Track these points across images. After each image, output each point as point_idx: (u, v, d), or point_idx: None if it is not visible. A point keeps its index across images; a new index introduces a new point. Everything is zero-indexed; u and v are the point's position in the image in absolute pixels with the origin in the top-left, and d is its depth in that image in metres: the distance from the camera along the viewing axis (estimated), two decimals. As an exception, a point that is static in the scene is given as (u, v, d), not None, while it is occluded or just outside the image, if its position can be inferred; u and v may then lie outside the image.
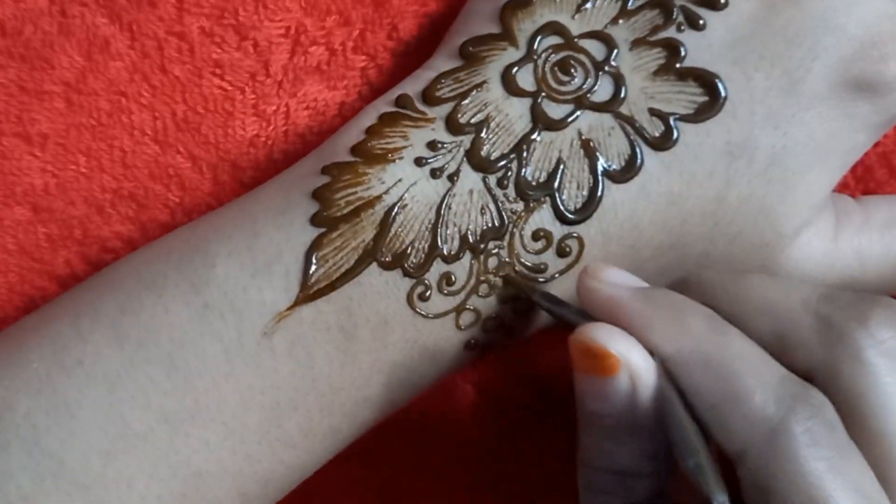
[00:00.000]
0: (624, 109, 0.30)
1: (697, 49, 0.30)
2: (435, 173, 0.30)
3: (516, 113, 0.30)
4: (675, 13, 0.31)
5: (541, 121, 0.30)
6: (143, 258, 0.31)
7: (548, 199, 0.30)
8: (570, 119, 0.30)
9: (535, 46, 0.31)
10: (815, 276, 0.32)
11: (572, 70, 0.31)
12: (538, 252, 0.30)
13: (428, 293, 0.30)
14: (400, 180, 0.30)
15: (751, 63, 0.30)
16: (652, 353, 0.27)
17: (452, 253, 0.30)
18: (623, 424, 0.27)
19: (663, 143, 0.30)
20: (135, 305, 0.29)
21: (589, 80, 0.31)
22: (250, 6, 0.35)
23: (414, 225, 0.30)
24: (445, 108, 0.30)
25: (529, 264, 0.30)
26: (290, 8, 0.35)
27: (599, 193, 0.30)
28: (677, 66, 0.30)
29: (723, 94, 0.30)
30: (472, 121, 0.30)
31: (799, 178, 0.31)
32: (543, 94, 0.30)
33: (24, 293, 0.35)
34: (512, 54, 0.31)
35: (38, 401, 0.29)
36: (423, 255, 0.29)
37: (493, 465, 0.37)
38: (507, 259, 0.30)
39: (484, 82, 0.31)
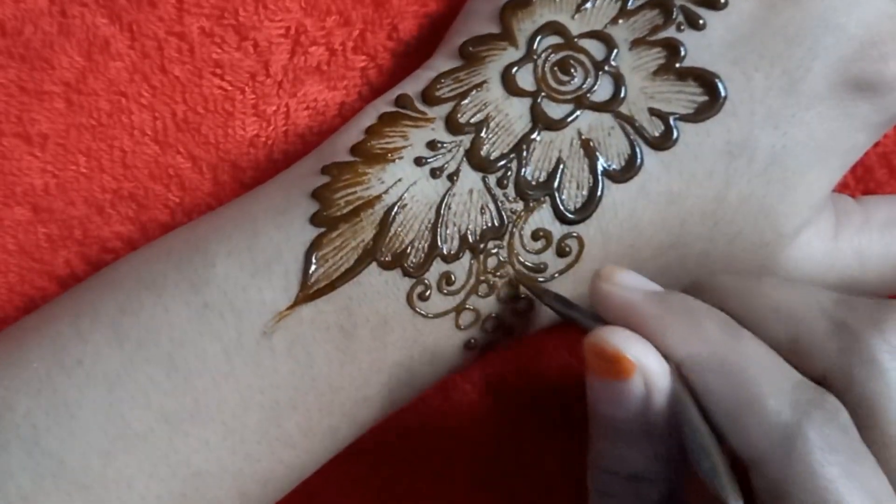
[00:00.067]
0: (624, 109, 0.30)
1: (697, 49, 0.30)
2: (435, 173, 0.30)
3: (516, 113, 0.30)
4: (674, 13, 0.31)
5: (540, 120, 0.30)
6: (142, 258, 0.31)
7: (547, 198, 0.30)
8: (569, 119, 0.30)
9: (535, 46, 0.31)
10: (815, 276, 0.32)
11: (572, 70, 0.31)
12: (538, 252, 0.30)
13: (428, 293, 0.30)
14: (400, 180, 0.30)
15: (751, 63, 0.30)
16: (666, 357, 0.27)
17: (452, 252, 0.30)
18: (636, 428, 0.27)
19: (663, 142, 0.30)
20: (134, 305, 0.29)
21: (589, 79, 0.31)
22: (250, 6, 0.35)
23: (414, 224, 0.30)
24: (445, 108, 0.30)
25: (529, 264, 0.30)
26: (290, 8, 0.35)
27: (599, 193, 0.30)
28: (677, 65, 0.30)
29: (723, 93, 0.30)
30: (472, 120, 0.30)
31: (799, 178, 0.31)
32: (543, 93, 0.30)
33: (24, 293, 0.35)
34: (512, 54, 0.31)
35: (37, 401, 0.29)
36: (422, 255, 0.29)
37: (493, 465, 0.37)
38: (506, 259, 0.30)
39: (484, 82, 0.31)
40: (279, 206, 0.30)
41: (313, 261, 0.29)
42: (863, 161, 0.36)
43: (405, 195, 0.30)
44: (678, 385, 0.27)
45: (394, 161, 0.30)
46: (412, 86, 0.31)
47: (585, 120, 0.30)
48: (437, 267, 0.30)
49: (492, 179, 0.30)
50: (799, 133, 0.30)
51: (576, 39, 0.31)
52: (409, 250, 0.29)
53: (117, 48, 0.35)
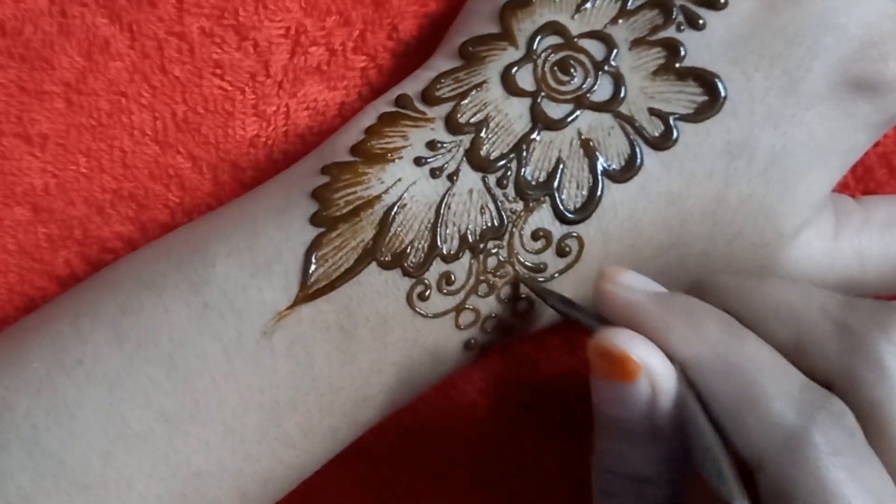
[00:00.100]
0: (623, 109, 0.30)
1: (697, 49, 0.30)
2: (434, 173, 0.30)
3: (516, 113, 0.30)
4: (674, 13, 0.31)
5: (540, 120, 0.30)
6: (142, 258, 0.31)
7: (547, 198, 0.30)
8: (569, 119, 0.30)
9: (535, 46, 0.31)
10: (815, 276, 0.32)
11: (572, 70, 0.31)
12: (538, 252, 0.30)
13: (427, 293, 0.30)
14: (399, 180, 0.30)
15: (750, 63, 0.30)
16: (670, 358, 0.27)
17: (452, 252, 0.30)
18: (641, 429, 0.27)
19: (663, 142, 0.30)
20: (134, 305, 0.29)
21: (588, 79, 0.31)
22: (250, 6, 0.35)
23: (413, 224, 0.30)
24: (445, 108, 0.30)
25: (529, 264, 0.30)
26: (290, 8, 0.35)
27: (599, 193, 0.30)
28: (677, 65, 0.30)
29: (722, 93, 0.30)
30: (472, 120, 0.30)
31: (799, 178, 0.31)
32: (543, 93, 0.30)
33: (24, 293, 0.35)
34: (511, 54, 0.31)
35: (37, 401, 0.29)
36: (422, 255, 0.29)
37: (493, 465, 0.37)
38: (506, 258, 0.30)
39: (483, 82, 0.31)
40: (279, 206, 0.30)
41: (313, 260, 0.29)
42: (863, 161, 0.36)
43: (405, 195, 0.30)
44: (683, 386, 0.27)
45: (393, 161, 0.30)
46: (412, 86, 0.31)
47: (585, 120, 0.30)
48: (437, 267, 0.30)
49: (491, 179, 0.30)
50: (799, 133, 0.30)
51: (576, 39, 0.31)
52: (408, 250, 0.29)
53: (117, 48, 0.35)
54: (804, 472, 0.24)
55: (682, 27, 0.31)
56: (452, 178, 0.30)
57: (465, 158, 0.30)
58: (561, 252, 0.30)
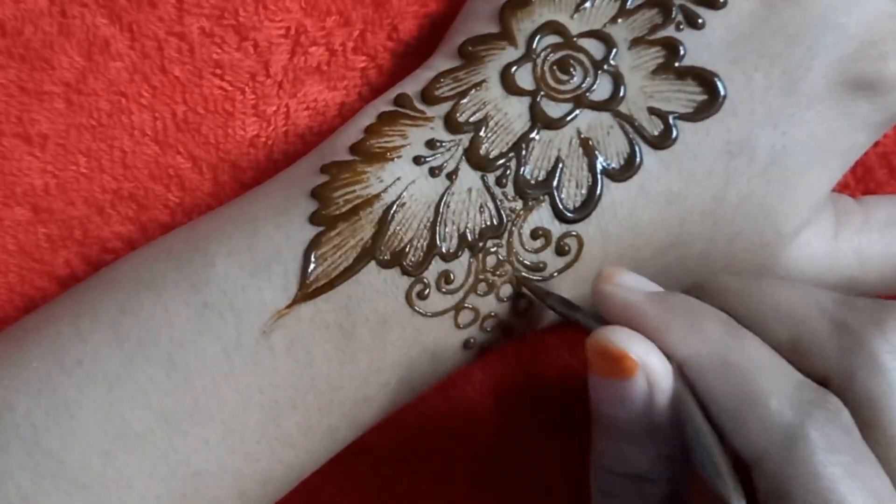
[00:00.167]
0: (623, 108, 0.30)
1: (696, 48, 0.30)
2: (433, 172, 0.30)
3: (515, 112, 0.30)
4: (673, 12, 0.31)
5: (540, 119, 0.30)
6: (142, 258, 0.31)
7: (547, 197, 0.30)
8: (568, 118, 0.30)
9: (534, 45, 0.31)
10: (815, 276, 0.32)
11: (571, 69, 0.31)
12: (537, 250, 0.30)
13: (427, 291, 0.30)
14: (398, 179, 0.30)
15: (750, 62, 0.30)
16: (668, 357, 0.27)
17: (451, 251, 0.30)
18: (639, 428, 0.27)
19: (662, 141, 0.30)
20: (134, 305, 0.29)
21: (588, 79, 0.31)
22: (250, 7, 0.35)
23: (412, 223, 0.30)
24: (444, 107, 0.30)
25: (528, 263, 0.30)
26: (290, 8, 0.35)
27: (598, 192, 0.30)
28: (676, 64, 0.30)
29: (722, 92, 0.30)
30: (471, 119, 0.30)
31: (799, 178, 0.31)
32: (542, 93, 0.30)
33: (24, 293, 0.35)
34: (511, 53, 0.31)
35: (37, 400, 0.29)
36: (421, 254, 0.29)
37: (493, 465, 0.37)
38: (505, 257, 0.30)
39: (483, 81, 0.31)
40: (279, 206, 0.30)
41: (312, 259, 0.29)
42: (863, 161, 0.36)
43: (404, 194, 0.30)
44: (680, 385, 0.27)
45: (393, 160, 0.30)
46: (411, 85, 0.31)
47: (584, 119, 0.30)
48: (436, 266, 0.30)
49: (491, 178, 0.30)
50: (799, 132, 0.30)
51: (575, 39, 0.31)
52: (407, 249, 0.29)
53: (117, 48, 0.35)
54: (801, 469, 0.25)
55: (681, 26, 0.31)
56: (451, 176, 0.30)
57: (464, 157, 0.30)
58: (560, 251, 0.30)
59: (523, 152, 0.30)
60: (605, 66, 0.31)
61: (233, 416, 0.29)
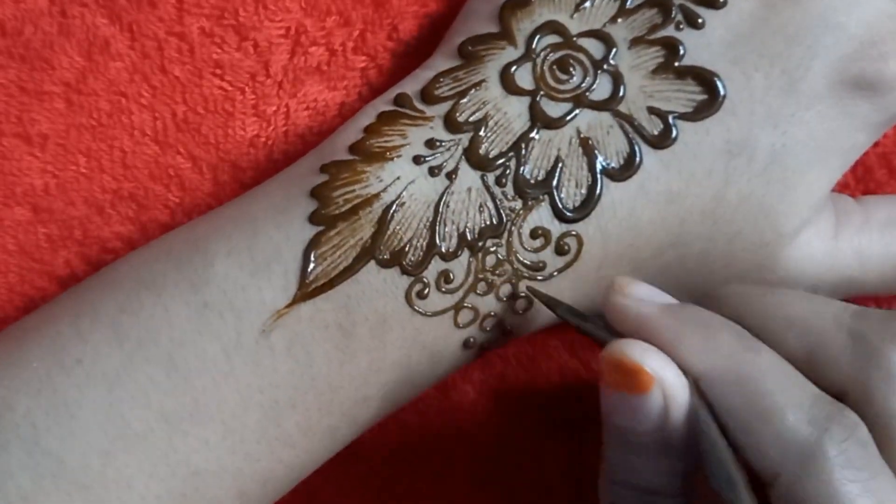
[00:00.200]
0: (623, 108, 0.30)
1: (696, 48, 0.30)
2: (433, 171, 0.30)
3: (515, 111, 0.30)
4: (673, 12, 0.31)
5: (539, 119, 0.30)
6: (142, 258, 0.31)
7: (546, 197, 0.30)
8: (568, 117, 0.30)
9: (534, 45, 0.31)
10: (815, 276, 0.32)
11: (571, 69, 0.31)
12: (536, 250, 0.30)
13: (426, 291, 0.30)
14: (398, 178, 0.30)
15: (750, 62, 0.30)
16: (682, 370, 0.27)
17: (450, 251, 0.30)
18: (652, 442, 0.27)
19: (662, 141, 0.30)
20: (134, 305, 0.29)
21: (588, 78, 0.31)
22: (250, 6, 0.35)
23: (412, 223, 0.29)
24: (444, 107, 0.30)
25: (528, 262, 0.30)
26: (290, 8, 0.35)
27: (598, 192, 0.30)
28: (676, 64, 0.30)
29: (722, 92, 0.30)
30: (471, 119, 0.30)
31: (799, 178, 0.31)
32: (542, 92, 0.30)
33: (24, 293, 0.35)
34: (511, 53, 0.31)
35: (37, 400, 0.29)
36: (421, 253, 0.29)
37: (493, 465, 0.37)
38: (505, 257, 0.30)
39: (483, 81, 0.31)
40: (278, 206, 0.30)
41: (312, 259, 0.29)
42: (863, 161, 0.36)
43: (403, 193, 0.30)
44: (695, 398, 0.26)
45: (392, 159, 0.30)
46: (411, 85, 0.31)
47: (584, 118, 0.30)
48: (436, 265, 0.30)
49: (490, 178, 0.30)
50: (799, 132, 0.30)
51: (575, 38, 0.31)
52: (407, 248, 0.29)
53: (117, 48, 0.35)
54: (817, 485, 0.24)
55: (681, 26, 0.31)
56: (451, 176, 0.30)
57: (463, 157, 0.30)
58: (560, 250, 0.30)
59: (523, 152, 0.30)
60: (605, 66, 0.31)
61: (233, 416, 0.29)
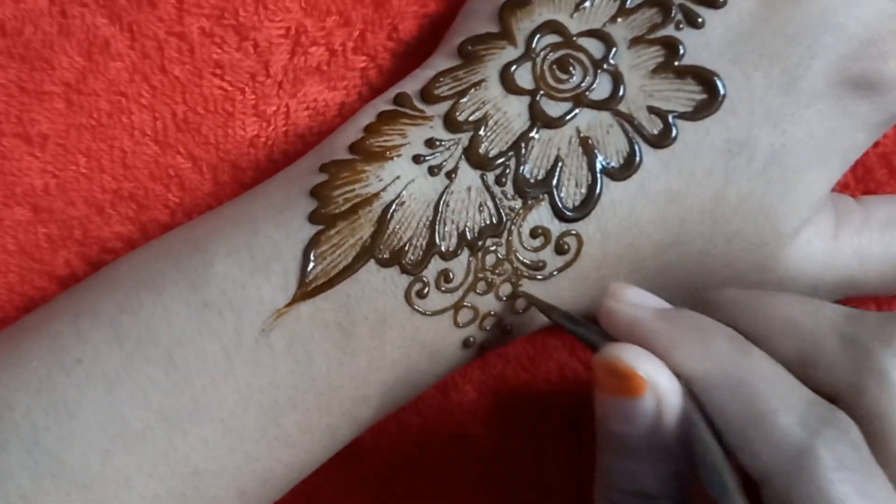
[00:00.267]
0: (622, 107, 0.30)
1: (696, 47, 0.30)
2: (433, 171, 0.30)
3: (515, 111, 0.30)
4: (673, 11, 0.31)
5: (539, 119, 0.30)
6: (142, 257, 0.31)
7: (546, 196, 0.30)
8: (568, 117, 0.30)
9: (534, 45, 0.31)
10: (815, 276, 0.32)
11: (571, 68, 0.31)
12: (536, 249, 0.30)
13: (426, 290, 0.30)
14: (398, 178, 0.30)
15: (750, 61, 0.30)
16: (676, 374, 0.27)
17: (450, 250, 0.30)
18: (646, 445, 0.27)
19: (662, 140, 0.30)
20: (134, 304, 0.29)
21: (587, 78, 0.31)
22: (250, 7, 0.35)
23: (412, 222, 0.30)
24: (444, 107, 0.30)
25: (527, 261, 0.30)
26: (290, 8, 0.35)
27: (598, 191, 0.30)
28: (676, 64, 0.30)
29: (721, 92, 0.30)
30: (471, 119, 0.30)
31: (798, 177, 0.31)
32: (542, 92, 0.30)
33: (24, 293, 0.35)
34: (510, 53, 0.31)
35: (37, 400, 0.29)
36: (420, 253, 0.29)
37: (493, 465, 0.37)
38: (504, 256, 0.30)
39: (482, 81, 0.31)
40: (278, 205, 0.30)
41: (311, 258, 0.29)
42: (863, 161, 0.36)
43: (403, 193, 0.30)
44: (689, 402, 0.26)
45: (392, 159, 0.30)
46: (411, 84, 0.31)
47: (584, 118, 0.30)
48: (436, 264, 0.30)
49: (490, 177, 0.30)
50: (798, 132, 0.30)
51: (574, 38, 0.31)
52: (407, 248, 0.29)
53: (117, 48, 0.35)
54: (810, 487, 0.24)
55: (681, 26, 0.31)
56: (451, 175, 0.30)
57: (463, 156, 0.30)
58: (560, 250, 0.30)
59: (523, 151, 0.30)
60: (605, 66, 0.31)
61: (232, 416, 0.29)
